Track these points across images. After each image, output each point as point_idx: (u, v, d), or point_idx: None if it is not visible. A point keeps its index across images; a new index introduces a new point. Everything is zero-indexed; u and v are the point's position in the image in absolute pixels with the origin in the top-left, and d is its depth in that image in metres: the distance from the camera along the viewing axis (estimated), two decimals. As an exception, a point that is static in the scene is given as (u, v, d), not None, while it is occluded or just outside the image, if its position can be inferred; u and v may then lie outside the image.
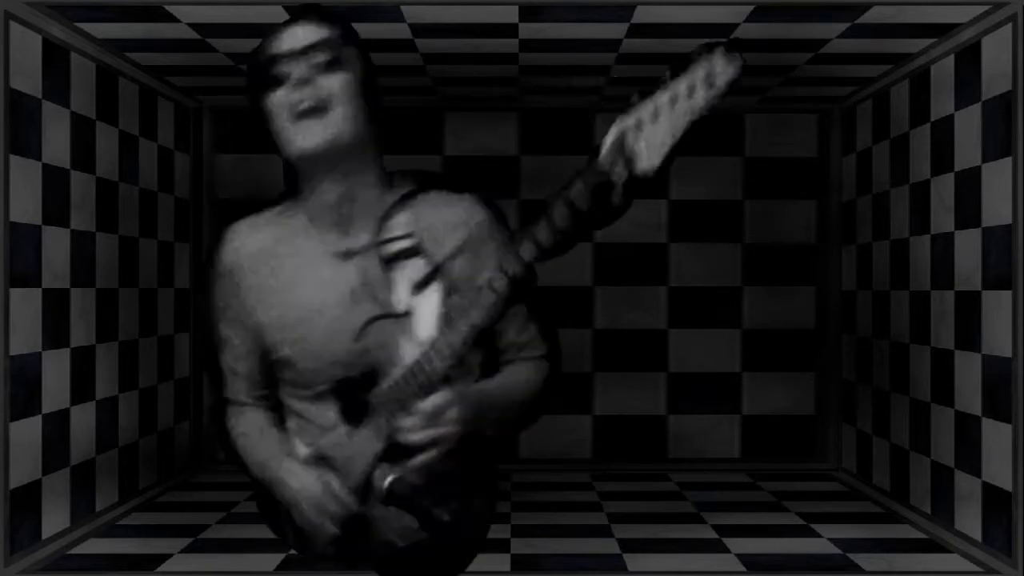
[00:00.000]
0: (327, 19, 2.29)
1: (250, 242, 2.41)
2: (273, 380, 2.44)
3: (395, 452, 2.25)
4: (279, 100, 2.23)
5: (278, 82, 2.23)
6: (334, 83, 2.25)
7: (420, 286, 2.32)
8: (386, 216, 2.36)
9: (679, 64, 1.93)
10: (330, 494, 2.27)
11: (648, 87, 2.08)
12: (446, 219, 2.37)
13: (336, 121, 2.24)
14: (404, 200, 2.39)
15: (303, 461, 2.33)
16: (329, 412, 2.35)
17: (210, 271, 2.50)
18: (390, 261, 2.33)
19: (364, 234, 2.35)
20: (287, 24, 2.25)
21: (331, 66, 2.25)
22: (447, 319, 2.20)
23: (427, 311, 2.30)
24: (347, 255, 2.35)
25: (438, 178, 2.66)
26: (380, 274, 2.35)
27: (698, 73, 1.91)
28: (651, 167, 1.90)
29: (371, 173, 2.35)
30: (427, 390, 2.18)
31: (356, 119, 2.29)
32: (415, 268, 2.35)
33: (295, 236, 2.37)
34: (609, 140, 1.93)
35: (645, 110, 1.94)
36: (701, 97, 1.91)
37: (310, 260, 2.35)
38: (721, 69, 1.91)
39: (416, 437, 2.13)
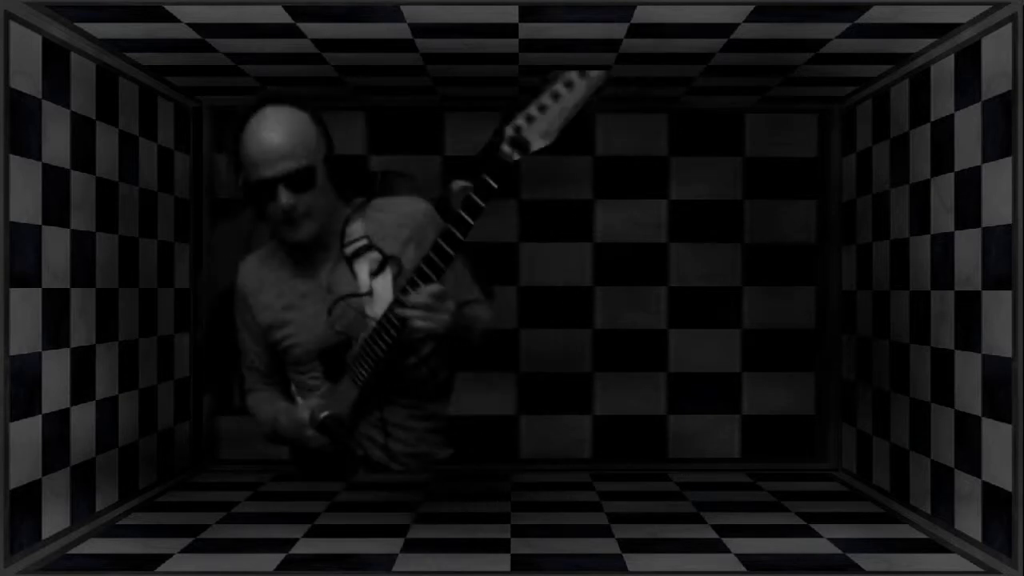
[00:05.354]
0: (297, 124, 2.95)
1: (254, 272, 3.24)
2: (277, 369, 3.29)
3: (366, 401, 3.11)
4: (271, 209, 2.96)
5: (269, 197, 2.94)
6: (313, 198, 2.97)
7: (376, 272, 3.05)
8: (345, 224, 3.12)
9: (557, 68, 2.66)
10: (300, 415, 3.05)
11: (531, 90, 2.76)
12: (392, 219, 3.13)
13: (318, 217, 2.99)
14: (357, 211, 3.16)
15: (299, 408, 3.09)
16: (318, 379, 3.13)
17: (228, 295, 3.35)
18: (352, 257, 3.10)
19: (327, 252, 3.12)
20: (267, 131, 2.92)
21: (309, 183, 2.94)
22: (398, 294, 2.87)
23: (382, 289, 3.03)
24: (318, 267, 3.13)
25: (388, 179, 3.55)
26: (342, 272, 3.10)
27: (573, 72, 2.65)
28: (541, 146, 2.72)
29: (337, 219, 3.12)
30: (387, 347, 2.94)
31: (329, 204, 3.08)
32: (371, 259, 3.08)
33: (282, 266, 3.19)
34: (508, 133, 2.73)
35: (533, 107, 2.72)
36: (579, 89, 2.65)
37: (290, 279, 3.17)
38: (593, 70, 2.66)
39: (417, 319, 2.83)
